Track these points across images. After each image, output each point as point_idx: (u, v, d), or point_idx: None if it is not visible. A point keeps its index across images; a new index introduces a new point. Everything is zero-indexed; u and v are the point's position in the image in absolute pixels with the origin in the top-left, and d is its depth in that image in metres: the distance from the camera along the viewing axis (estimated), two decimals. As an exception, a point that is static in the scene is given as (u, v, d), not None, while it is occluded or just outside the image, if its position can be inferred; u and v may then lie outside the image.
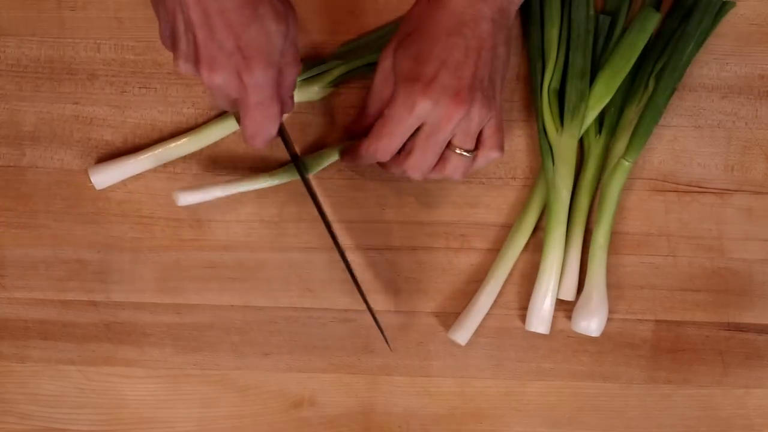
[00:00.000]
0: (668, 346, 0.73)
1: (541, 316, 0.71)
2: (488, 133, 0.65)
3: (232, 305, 0.73)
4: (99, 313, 0.73)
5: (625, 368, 0.73)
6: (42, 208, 0.73)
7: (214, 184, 0.70)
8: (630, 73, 0.71)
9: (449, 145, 0.64)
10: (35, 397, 0.74)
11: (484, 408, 0.74)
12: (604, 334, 0.73)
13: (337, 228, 0.73)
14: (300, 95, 0.71)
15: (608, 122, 0.72)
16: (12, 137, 0.73)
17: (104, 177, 0.72)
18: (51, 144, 0.73)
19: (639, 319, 0.73)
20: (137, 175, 0.73)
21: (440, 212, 0.73)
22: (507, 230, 0.73)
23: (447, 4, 0.62)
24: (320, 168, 0.71)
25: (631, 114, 0.71)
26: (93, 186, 0.72)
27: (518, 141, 0.73)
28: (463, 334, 0.72)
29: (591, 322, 0.71)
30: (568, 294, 0.72)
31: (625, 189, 0.73)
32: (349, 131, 0.72)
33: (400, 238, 0.73)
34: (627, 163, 0.70)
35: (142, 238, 0.73)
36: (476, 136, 0.65)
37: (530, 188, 0.73)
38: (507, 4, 0.63)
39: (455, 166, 0.65)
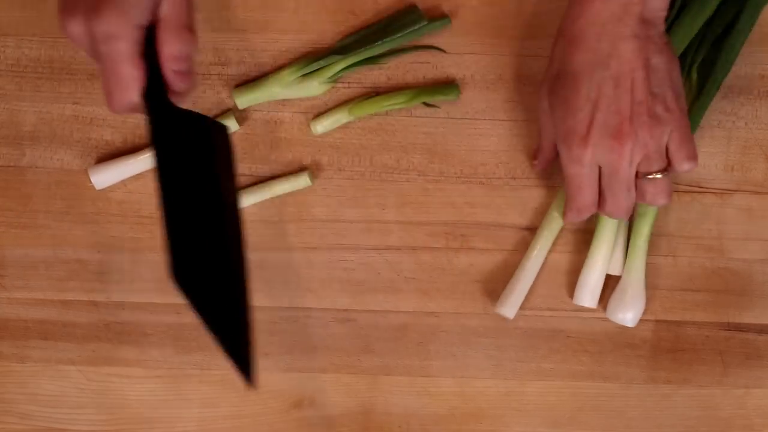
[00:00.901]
0: (668, 346, 0.73)
1: (590, 290, 0.71)
2: (674, 148, 0.62)
3: (232, 305, 0.73)
4: (99, 313, 0.73)
5: (625, 368, 0.73)
6: (42, 208, 0.73)
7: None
8: None
9: (638, 174, 0.62)
10: (35, 397, 0.74)
11: (484, 408, 0.74)
12: (604, 334, 0.73)
13: (337, 228, 0.73)
14: (300, 91, 0.71)
15: None
16: (12, 137, 0.73)
17: (104, 177, 0.72)
18: (51, 144, 0.73)
19: (639, 319, 0.73)
20: (137, 175, 0.73)
21: (440, 212, 0.73)
22: (507, 230, 0.73)
23: (581, 39, 0.60)
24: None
25: None
26: (93, 186, 0.72)
27: (517, 141, 0.73)
28: (510, 308, 0.72)
29: (627, 313, 0.71)
30: (615, 269, 0.72)
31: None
32: (535, 167, 0.71)
33: (400, 238, 0.73)
34: None
35: (141, 238, 0.73)
36: (662, 155, 0.62)
37: (529, 188, 0.73)
38: (648, 14, 0.60)
39: (653, 192, 0.63)
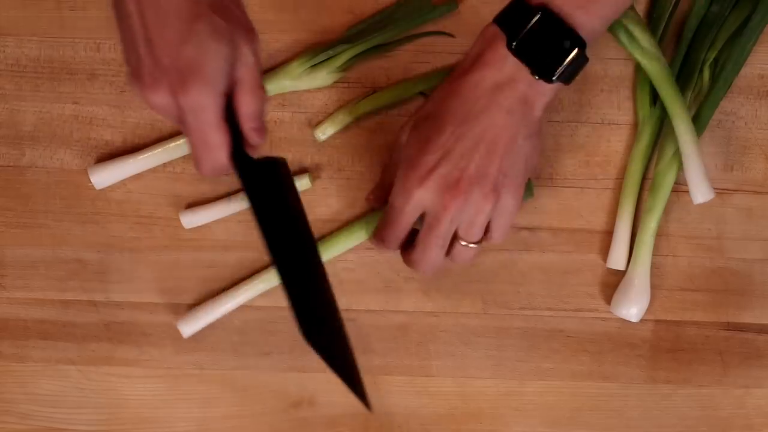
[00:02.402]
0: (668, 345, 0.73)
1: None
2: (494, 226, 0.63)
3: (232, 305, 0.73)
4: (99, 312, 0.73)
5: (624, 368, 0.73)
6: (42, 208, 0.73)
7: (217, 204, 0.72)
8: (681, 55, 0.72)
9: (455, 235, 0.63)
10: (35, 396, 0.74)
11: (483, 408, 0.74)
12: (603, 333, 0.73)
13: (338, 228, 0.73)
14: (309, 82, 0.71)
15: None
16: (12, 137, 0.73)
17: (104, 177, 0.72)
18: (51, 144, 0.73)
19: (640, 319, 0.73)
20: (137, 175, 0.73)
21: (440, 212, 0.73)
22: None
23: (461, 91, 0.60)
24: (344, 250, 0.72)
25: (687, 102, 0.71)
26: (93, 186, 0.72)
27: (518, 141, 0.73)
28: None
29: (632, 308, 0.71)
30: (619, 264, 0.72)
31: (624, 189, 0.73)
32: (369, 201, 0.71)
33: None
34: None
35: (141, 238, 0.73)
36: (482, 228, 0.63)
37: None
38: (533, 96, 0.60)
39: (460, 256, 0.64)
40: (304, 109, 0.73)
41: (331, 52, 0.71)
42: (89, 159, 0.73)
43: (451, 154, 0.60)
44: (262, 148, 0.60)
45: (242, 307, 0.73)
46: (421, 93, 0.72)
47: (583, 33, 0.59)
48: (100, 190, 0.73)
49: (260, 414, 0.73)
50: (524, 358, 0.73)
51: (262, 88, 0.58)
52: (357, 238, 0.71)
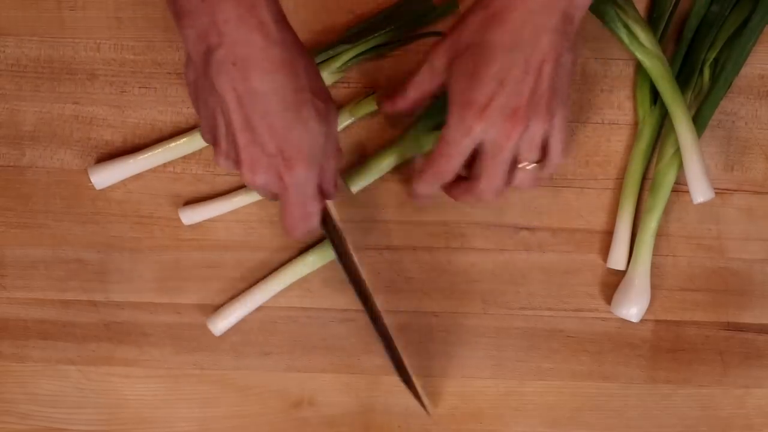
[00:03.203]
0: (668, 346, 0.73)
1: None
2: (553, 143, 0.63)
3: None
4: (99, 312, 0.73)
5: (624, 368, 0.73)
6: (42, 208, 0.73)
7: (218, 200, 0.72)
8: (681, 55, 0.72)
9: (514, 161, 0.63)
10: (35, 396, 0.74)
11: (483, 408, 0.74)
12: (603, 333, 0.73)
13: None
14: None
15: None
16: (12, 137, 0.73)
17: (104, 177, 0.72)
18: (51, 144, 0.73)
19: (640, 319, 0.73)
20: (137, 175, 0.73)
21: (440, 212, 0.73)
22: (507, 230, 0.73)
23: (505, 19, 0.60)
24: (367, 182, 0.72)
25: (687, 102, 0.71)
26: (93, 186, 0.72)
27: (518, 141, 0.73)
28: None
29: (632, 308, 0.71)
30: (619, 264, 0.72)
31: (624, 189, 0.73)
32: (383, 107, 0.70)
33: (400, 238, 0.73)
34: None
35: (141, 238, 0.73)
36: (540, 147, 0.62)
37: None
38: (572, 10, 0.60)
39: (522, 179, 0.64)
40: (304, 109, 0.73)
41: (331, 52, 0.71)
42: (89, 159, 0.73)
43: (505, 84, 0.60)
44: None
45: (242, 307, 0.73)
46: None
47: None
48: (100, 190, 0.73)
49: (260, 414, 0.73)
50: (524, 358, 0.73)
51: (341, 151, 0.63)
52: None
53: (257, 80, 0.55)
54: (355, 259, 0.69)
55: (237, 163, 0.58)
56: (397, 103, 0.68)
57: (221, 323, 0.72)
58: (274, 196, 0.62)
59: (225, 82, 0.55)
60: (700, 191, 0.69)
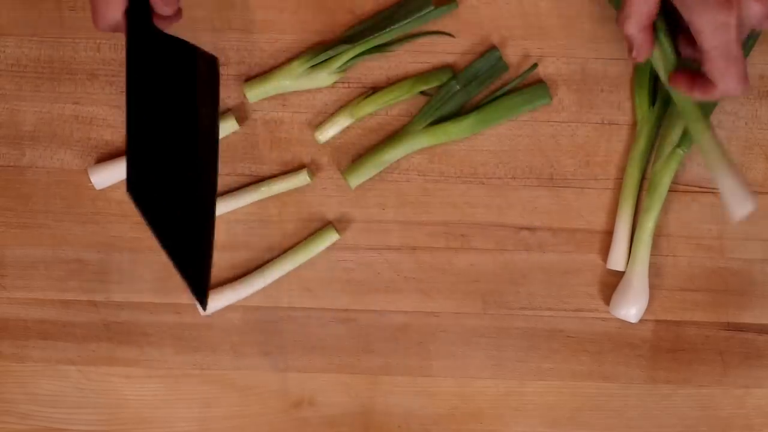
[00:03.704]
0: (668, 346, 0.73)
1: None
2: None
3: (231, 305, 0.73)
4: (99, 313, 0.73)
5: (624, 368, 0.73)
6: (42, 208, 0.73)
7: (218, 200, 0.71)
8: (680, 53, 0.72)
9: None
10: (35, 396, 0.74)
11: (484, 408, 0.74)
12: (603, 333, 0.73)
13: (337, 227, 0.73)
14: (310, 82, 0.71)
15: (662, 95, 0.72)
16: (12, 137, 0.73)
17: (104, 177, 0.72)
18: (51, 144, 0.73)
19: (639, 319, 0.73)
20: (137, 175, 0.73)
21: (440, 212, 0.73)
22: (507, 230, 0.73)
23: None
24: (365, 178, 0.71)
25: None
26: (93, 186, 0.72)
27: (518, 141, 0.73)
28: (620, 260, 0.72)
29: (631, 309, 0.71)
30: (619, 264, 0.72)
31: (624, 189, 0.73)
32: (637, 58, 0.66)
33: (400, 238, 0.73)
34: (682, 152, 0.71)
35: (141, 238, 0.73)
36: None
37: (529, 188, 0.73)
38: None
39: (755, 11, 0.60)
40: (304, 109, 0.73)
41: (331, 53, 0.71)
42: (89, 159, 0.73)
43: None
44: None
45: (242, 307, 0.73)
46: (421, 92, 0.72)
47: None
48: (100, 190, 0.73)
49: (260, 414, 0.73)
50: (524, 358, 0.73)
51: None
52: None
53: None
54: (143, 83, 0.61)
55: None
56: (643, 49, 0.64)
57: (211, 303, 0.72)
58: None
59: None
60: (738, 209, 0.65)
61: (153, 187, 0.59)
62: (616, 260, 0.72)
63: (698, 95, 0.64)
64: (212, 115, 0.62)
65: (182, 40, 0.61)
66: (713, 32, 0.60)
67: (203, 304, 0.59)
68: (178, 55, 0.61)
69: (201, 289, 0.59)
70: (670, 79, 0.66)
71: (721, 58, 0.61)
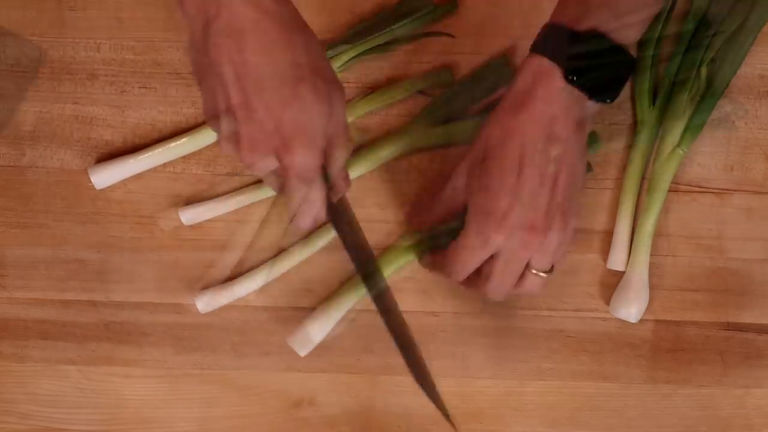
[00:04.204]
0: (668, 346, 0.73)
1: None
2: (560, 252, 0.63)
3: (232, 305, 0.73)
4: (99, 312, 0.73)
5: (624, 368, 0.73)
6: (42, 208, 0.73)
7: (218, 200, 0.72)
8: (679, 54, 0.72)
9: (526, 265, 0.63)
10: (35, 396, 0.74)
11: (484, 408, 0.74)
12: (603, 333, 0.73)
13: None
14: None
15: (662, 95, 0.72)
16: (12, 137, 0.73)
17: (104, 177, 0.72)
18: (51, 144, 0.73)
19: (638, 319, 0.73)
20: (137, 174, 0.73)
21: (440, 212, 0.73)
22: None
23: (517, 131, 0.60)
24: (393, 270, 0.72)
25: (684, 102, 0.71)
26: (93, 186, 0.72)
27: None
28: (620, 260, 0.73)
29: (631, 309, 0.71)
30: (619, 264, 0.72)
31: (624, 189, 0.73)
32: (410, 224, 0.72)
33: (401, 238, 0.73)
34: (681, 152, 0.71)
35: (142, 238, 0.73)
36: (552, 255, 0.63)
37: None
38: (584, 117, 0.61)
39: (532, 283, 0.64)
40: (304, 109, 0.73)
41: (331, 53, 0.71)
42: (89, 159, 0.73)
43: (521, 197, 0.60)
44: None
45: (242, 307, 0.73)
46: (421, 92, 0.72)
47: (630, 46, 0.60)
48: (100, 190, 0.73)
49: (260, 414, 0.73)
50: (524, 358, 0.73)
51: (350, 140, 0.61)
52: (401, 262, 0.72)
53: (251, 52, 0.54)
54: (373, 254, 0.68)
55: (236, 143, 0.56)
56: (425, 219, 0.69)
57: (207, 302, 0.72)
58: (280, 186, 0.60)
59: (222, 55, 0.54)
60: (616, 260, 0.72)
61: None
62: (616, 260, 0.72)
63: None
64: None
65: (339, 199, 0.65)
66: (471, 241, 0.62)
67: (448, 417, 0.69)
68: (346, 211, 0.66)
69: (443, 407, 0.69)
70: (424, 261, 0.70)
71: (458, 256, 0.63)
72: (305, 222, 0.61)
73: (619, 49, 0.59)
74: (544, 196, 0.60)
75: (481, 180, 0.62)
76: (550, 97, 0.59)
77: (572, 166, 0.61)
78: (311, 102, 0.56)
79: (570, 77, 0.59)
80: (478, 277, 0.64)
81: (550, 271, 0.63)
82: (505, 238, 0.60)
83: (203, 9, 0.54)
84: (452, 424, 0.69)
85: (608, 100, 0.61)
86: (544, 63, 0.60)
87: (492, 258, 0.62)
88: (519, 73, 0.61)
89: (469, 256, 0.62)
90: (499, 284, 0.63)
